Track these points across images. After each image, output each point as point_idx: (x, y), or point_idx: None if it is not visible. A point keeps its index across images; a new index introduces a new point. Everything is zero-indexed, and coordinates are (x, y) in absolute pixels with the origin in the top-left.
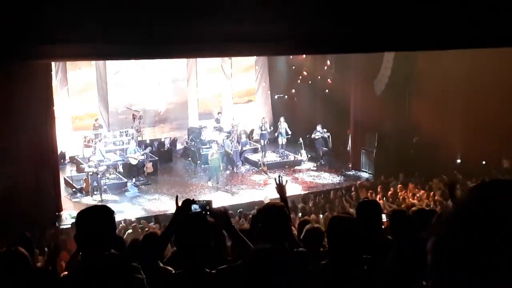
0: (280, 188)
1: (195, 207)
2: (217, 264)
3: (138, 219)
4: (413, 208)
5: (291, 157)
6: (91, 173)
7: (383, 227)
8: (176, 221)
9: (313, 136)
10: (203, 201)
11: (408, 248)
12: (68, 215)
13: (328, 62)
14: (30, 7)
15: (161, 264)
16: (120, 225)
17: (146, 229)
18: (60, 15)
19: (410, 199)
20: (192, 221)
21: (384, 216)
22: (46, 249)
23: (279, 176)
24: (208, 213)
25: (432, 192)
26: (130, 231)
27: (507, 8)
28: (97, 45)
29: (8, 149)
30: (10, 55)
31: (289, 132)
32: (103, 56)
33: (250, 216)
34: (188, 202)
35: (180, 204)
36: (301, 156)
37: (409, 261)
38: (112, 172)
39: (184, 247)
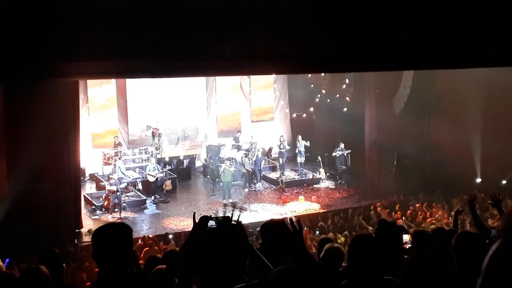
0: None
1: (212, 223)
2: (234, 283)
3: (156, 237)
4: (432, 226)
5: (310, 175)
6: (111, 191)
7: (406, 247)
8: (193, 238)
9: (334, 154)
10: (220, 217)
11: (418, 267)
12: (88, 233)
13: (347, 81)
14: (48, 25)
15: None
16: (138, 242)
17: (165, 247)
18: (79, 33)
19: (430, 219)
20: (212, 240)
21: (405, 237)
22: (64, 265)
23: (291, 221)
24: (225, 228)
25: (452, 212)
26: (147, 248)
27: None
28: (115, 63)
29: (31, 166)
30: (30, 74)
31: (305, 152)
32: (121, 74)
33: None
34: (205, 219)
35: (197, 221)
36: (319, 174)
37: (419, 279)
38: (131, 190)
39: (203, 266)
